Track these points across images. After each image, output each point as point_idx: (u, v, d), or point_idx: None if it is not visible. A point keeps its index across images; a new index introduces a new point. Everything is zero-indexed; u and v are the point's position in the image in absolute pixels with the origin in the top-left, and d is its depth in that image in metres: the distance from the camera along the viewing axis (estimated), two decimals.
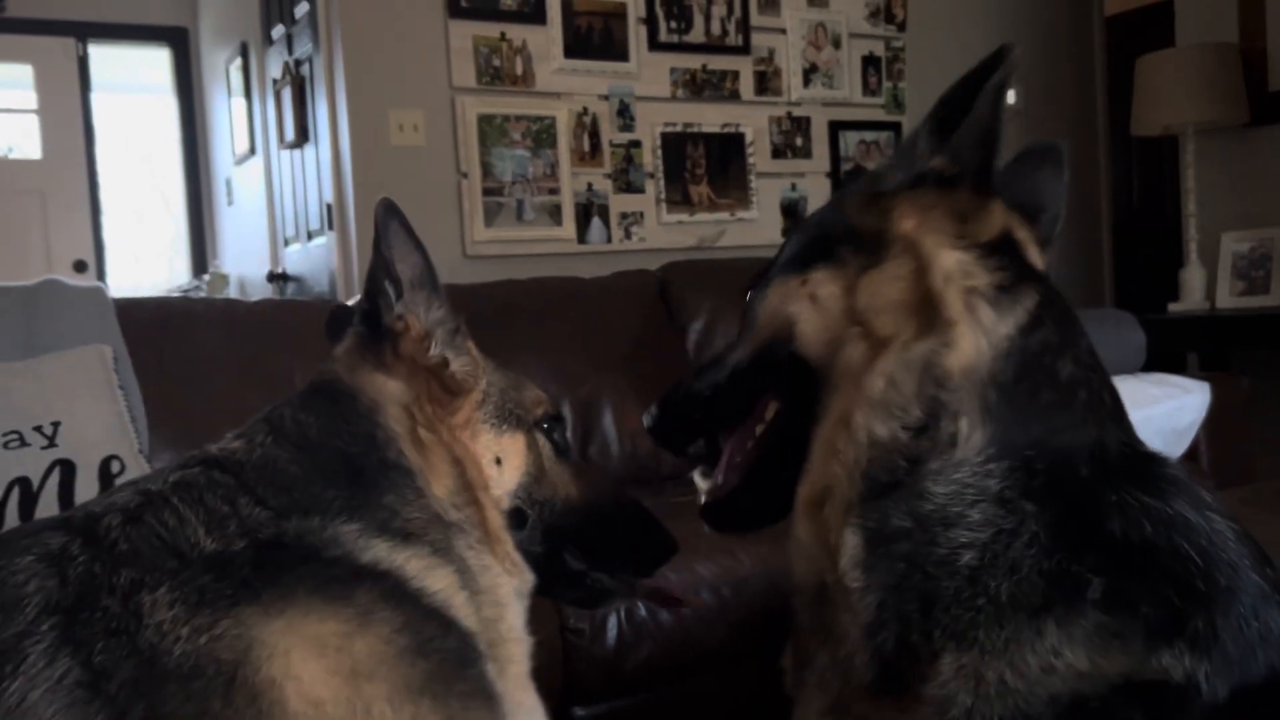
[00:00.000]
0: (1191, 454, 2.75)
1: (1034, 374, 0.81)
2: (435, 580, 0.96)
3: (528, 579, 1.09)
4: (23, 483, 1.79)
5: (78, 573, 0.84)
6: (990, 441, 0.78)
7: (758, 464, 0.99)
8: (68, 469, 1.84)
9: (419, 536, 0.98)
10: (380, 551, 0.94)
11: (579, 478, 1.18)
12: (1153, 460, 0.82)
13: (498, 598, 1.03)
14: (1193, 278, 4.20)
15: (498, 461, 1.10)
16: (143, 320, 2.24)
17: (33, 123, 6.13)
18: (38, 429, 1.86)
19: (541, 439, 1.16)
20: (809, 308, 0.90)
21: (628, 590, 1.23)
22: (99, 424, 1.93)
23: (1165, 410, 2.59)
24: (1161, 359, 2.84)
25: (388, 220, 1.05)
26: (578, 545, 1.16)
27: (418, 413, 1.07)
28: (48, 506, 1.77)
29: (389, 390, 1.07)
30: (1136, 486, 0.78)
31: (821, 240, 0.93)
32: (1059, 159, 1.03)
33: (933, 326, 0.81)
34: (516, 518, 1.11)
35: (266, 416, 1.06)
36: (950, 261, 0.84)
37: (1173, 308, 4.19)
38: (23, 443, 1.83)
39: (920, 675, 0.77)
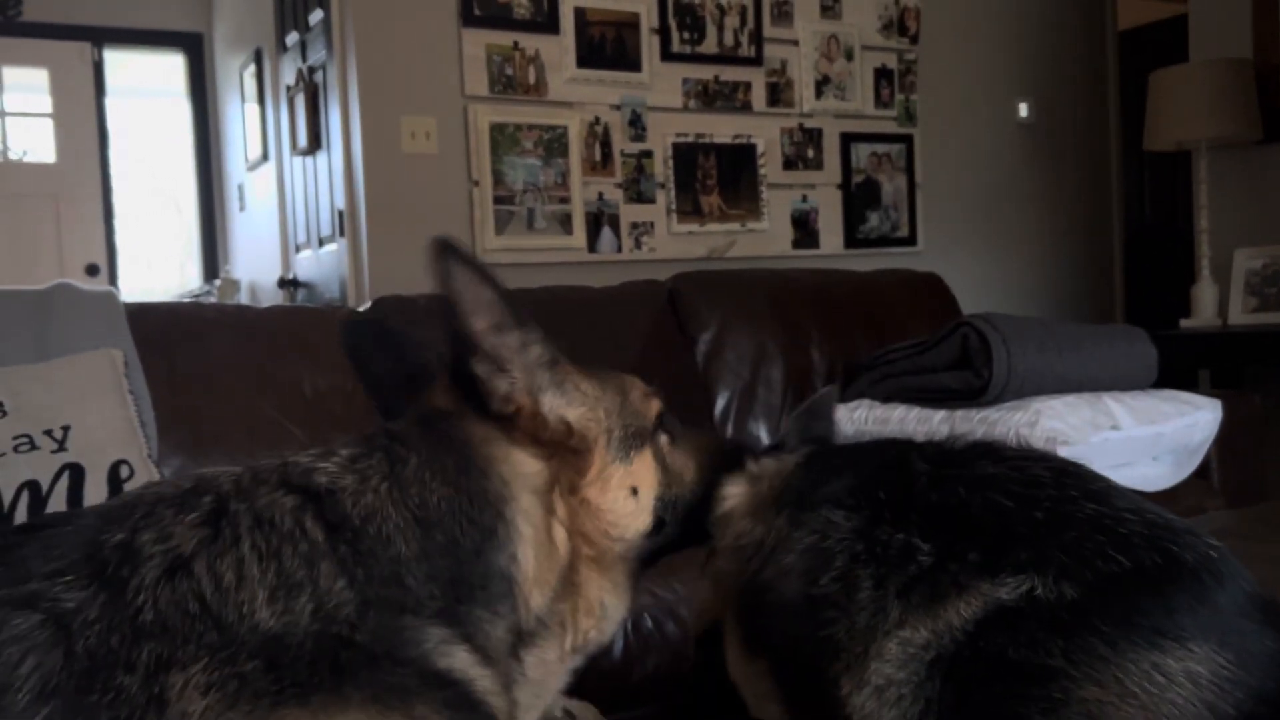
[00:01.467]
0: (1202, 471, 2.74)
1: (805, 472, 1.02)
2: (498, 700, 0.85)
3: (609, 633, 1.02)
4: (32, 486, 1.79)
5: (88, 645, 0.70)
6: (788, 520, 0.95)
7: None
8: (77, 473, 1.84)
9: (496, 661, 0.87)
10: (458, 661, 0.81)
11: (690, 456, 1.10)
12: (952, 442, 0.96)
13: (544, 690, 0.96)
14: (1205, 294, 4.19)
15: (634, 493, 1.01)
16: (153, 325, 2.25)
17: (47, 127, 6.16)
18: (48, 433, 1.86)
19: (663, 439, 1.07)
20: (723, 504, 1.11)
21: None
22: (109, 428, 1.93)
23: (1176, 427, 2.58)
24: (1173, 375, 2.83)
25: (446, 262, 0.89)
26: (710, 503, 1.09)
27: (559, 502, 0.96)
28: (56, 510, 1.77)
29: (524, 473, 0.94)
30: (946, 464, 0.91)
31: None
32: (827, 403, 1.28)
33: (741, 503, 1.06)
34: (655, 529, 1.04)
35: (388, 449, 0.90)
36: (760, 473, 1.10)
37: (1184, 324, 4.18)
38: (32, 446, 1.83)
39: (845, 717, 0.83)
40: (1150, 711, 0.69)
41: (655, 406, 1.07)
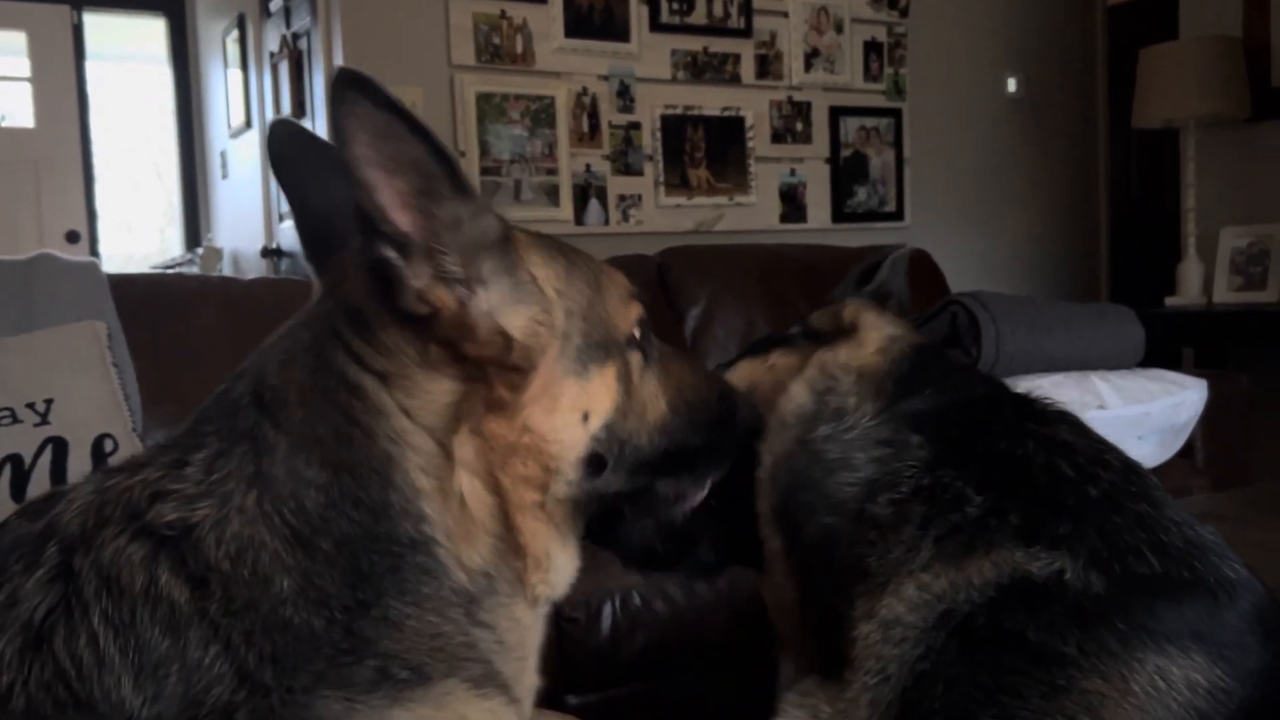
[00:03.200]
0: (1187, 451, 2.75)
1: (921, 367, 1.00)
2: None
3: (560, 588, 0.87)
4: (14, 460, 1.77)
5: None
6: (880, 409, 0.94)
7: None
8: (60, 447, 1.82)
9: (443, 662, 0.74)
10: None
11: (663, 389, 0.89)
12: (1043, 402, 0.97)
13: (525, 650, 0.83)
14: (1190, 272, 4.20)
15: (584, 419, 0.82)
16: (137, 297, 2.22)
17: (26, 91, 6.07)
18: (30, 406, 1.84)
19: (635, 358, 0.87)
20: (766, 377, 1.07)
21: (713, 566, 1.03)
22: (92, 402, 1.91)
23: (1162, 406, 2.59)
24: (1157, 353, 2.84)
25: (349, 104, 0.66)
26: (673, 469, 0.89)
27: (468, 438, 0.78)
28: (40, 485, 1.75)
29: (426, 411, 0.76)
30: (1027, 418, 0.92)
31: (781, 340, 1.13)
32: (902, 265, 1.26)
33: (837, 357, 1.02)
34: (591, 465, 0.83)
35: (253, 434, 0.74)
36: (873, 320, 1.08)
37: (1169, 302, 4.19)
38: (15, 419, 1.81)
39: (848, 640, 0.84)
40: (1146, 713, 0.71)
41: (634, 313, 0.87)
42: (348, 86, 0.66)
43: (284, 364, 0.78)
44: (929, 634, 0.79)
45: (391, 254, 0.72)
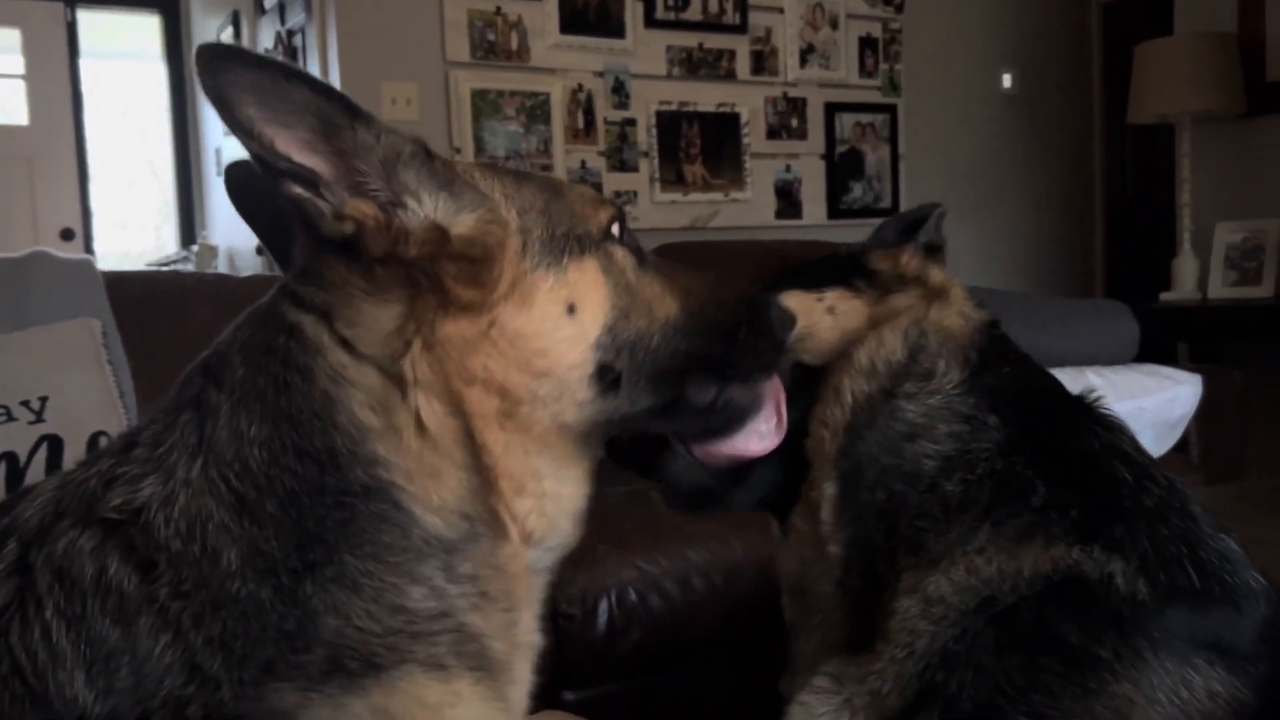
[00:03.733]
0: (1181, 446, 2.76)
1: (997, 343, 1.00)
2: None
3: (562, 523, 0.81)
4: (9, 458, 1.77)
5: None
6: (964, 380, 0.94)
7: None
8: (55, 445, 1.82)
9: (400, 649, 0.69)
10: (322, 714, 0.65)
11: (673, 287, 0.84)
12: (1102, 406, 0.98)
13: (512, 600, 0.77)
14: (1185, 267, 4.20)
15: (570, 311, 0.77)
16: (132, 295, 2.22)
17: (19, 88, 6.05)
18: (25, 404, 1.84)
19: (619, 252, 0.82)
20: (826, 319, 1.03)
21: (755, 397, 0.92)
22: (88, 399, 1.90)
23: (1157, 402, 2.60)
24: (1152, 348, 2.84)
25: (223, 74, 0.66)
26: (703, 374, 0.84)
27: (421, 355, 0.73)
28: (35, 482, 1.75)
29: (366, 340, 0.73)
30: (1093, 420, 0.94)
31: (831, 274, 1.09)
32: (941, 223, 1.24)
33: (928, 313, 1.00)
34: (602, 380, 0.77)
35: (198, 401, 0.72)
36: (949, 281, 1.07)
37: (1164, 297, 4.20)
38: (10, 417, 1.81)
39: (888, 611, 0.84)
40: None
41: (606, 212, 0.83)
42: (214, 58, 0.66)
43: (235, 328, 0.78)
44: (968, 617, 0.80)
45: (298, 189, 0.71)
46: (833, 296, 1.04)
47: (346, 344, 0.73)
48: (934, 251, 1.11)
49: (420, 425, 0.72)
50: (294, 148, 0.69)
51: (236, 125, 0.67)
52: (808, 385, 0.99)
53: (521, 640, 0.79)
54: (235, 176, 0.93)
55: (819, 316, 1.03)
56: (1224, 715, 0.74)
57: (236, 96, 0.66)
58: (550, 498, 0.79)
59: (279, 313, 0.75)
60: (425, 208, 0.74)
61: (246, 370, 0.73)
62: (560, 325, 0.76)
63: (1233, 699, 0.75)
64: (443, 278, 0.74)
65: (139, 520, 0.67)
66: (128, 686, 0.61)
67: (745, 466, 0.94)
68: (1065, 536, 0.82)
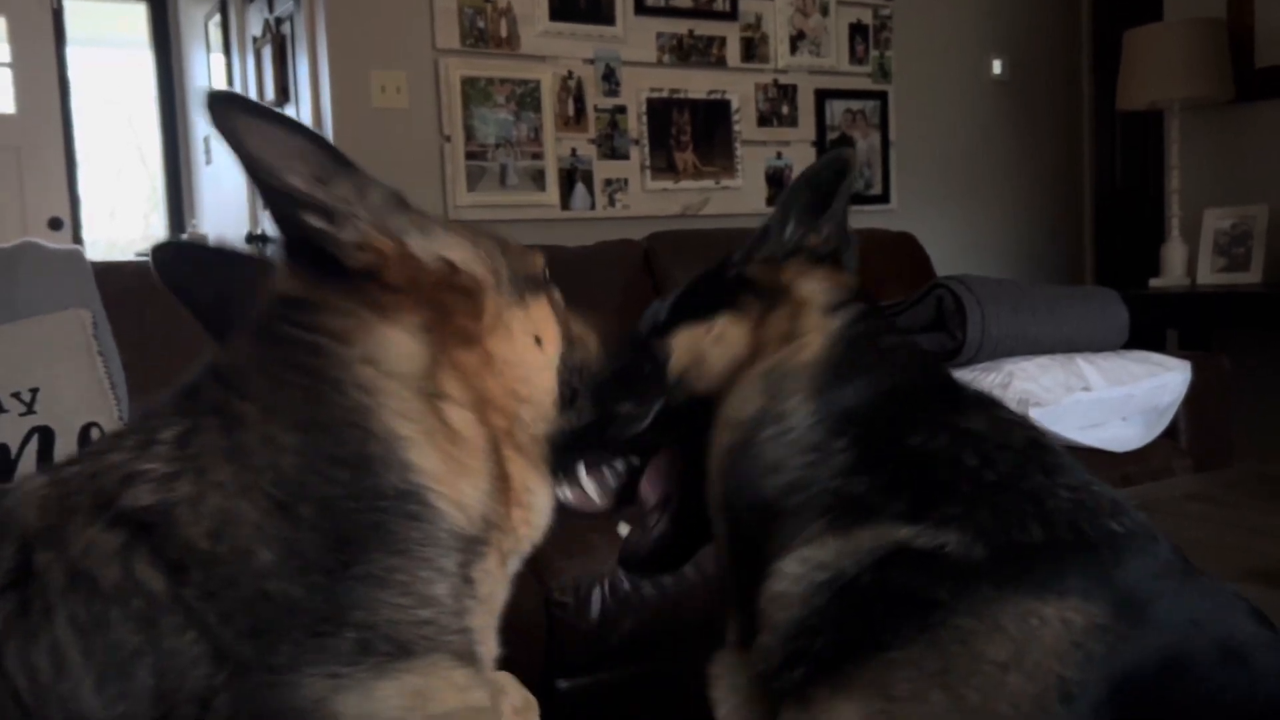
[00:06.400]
0: (1170, 432, 2.78)
1: (854, 348, 0.99)
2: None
3: (539, 533, 0.88)
4: (0, 449, 1.77)
5: None
6: (814, 409, 0.95)
7: (679, 512, 1.08)
8: (46, 436, 1.82)
9: (430, 638, 0.72)
10: (354, 700, 0.66)
11: (586, 327, 0.96)
12: (967, 390, 1.00)
13: (494, 604, 0.82)
14: (1174, 254, 4.22)
15: (538, 342, 0.86)
16: (122, 285, 2.21)
17: (6, 77, 6.01)
18: (15, 395, 1.84)
19: (555, 293, 0.92)
20: (715, 349, 1.04)
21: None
22: (78, 391, 1.90)
23: (1146, 388, 2.61)
24: (1141, 335, 2.86)
25: (234, 119, 0.70)
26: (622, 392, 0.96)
27: (448, 378, 0.78)
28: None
29: (394, 359, 0.77)
30: (947, 409, 0.95)
31: (724, 294, 1.08)
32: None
33: (789, 341, 1.00)
34: (563, 399, 0.88)
35: (221, 407, 0.73)
36: (812, 292, 1.05)
37: (1153, 283, 4.21)
38: (0, 409, 1.81)
39: (759, 612, 0.91)
40: (1017, 644, 0.78)
41: (539, 259, 0.92)
42: (226, 105, 0.70)
43: (234, 350, 0.79)
44: (817, 593, 0.86)
45: (321, 221, 0.75)
46: (721, 324, 1.05)
47: (372, 362, 0.76)
48: (843, 245, 1.09)
49: (453, 434, 0.78)
50: (305, 187, 0.74)
51: (257, 165, 0.71)
52: (705, 414, 1.01)
53: (492, 650, 0.83)
54: (164, 259, 0.94)
55: (708, 347, 1.05)
56: (1085, 638, 0.77)
57: (247, 137, 0.71)
58: (537, 510, 0.87)
59: (294, 337, 0.77)
60: (419, 242, 0.80)
61: (271, 383, 0.75)
62: (534, 354, 0.85)
63: (1093, 624, 0.78)
64: (450, 307, 0.80)
65: (169, 519, 0.67)
66: (146, 687, 0.61)
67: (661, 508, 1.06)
68: (894, 520, 0.86)
